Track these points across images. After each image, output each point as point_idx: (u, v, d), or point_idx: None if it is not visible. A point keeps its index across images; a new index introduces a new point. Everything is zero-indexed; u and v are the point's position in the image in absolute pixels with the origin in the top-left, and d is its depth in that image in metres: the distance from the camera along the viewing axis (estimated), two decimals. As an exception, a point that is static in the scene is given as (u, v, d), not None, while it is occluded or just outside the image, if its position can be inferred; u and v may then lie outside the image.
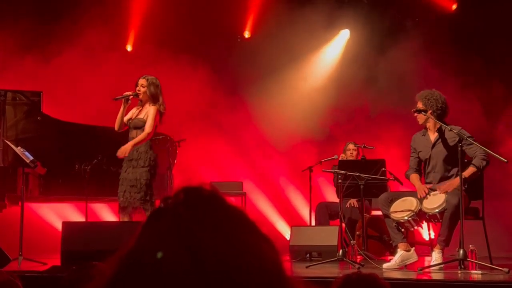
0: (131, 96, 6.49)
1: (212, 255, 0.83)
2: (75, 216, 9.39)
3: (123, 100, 6.48)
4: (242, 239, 0.86)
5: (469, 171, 5.77)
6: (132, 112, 6.56)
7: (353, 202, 8.04)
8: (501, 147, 8.32)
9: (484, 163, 5.75)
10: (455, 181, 5.71)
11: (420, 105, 5.99)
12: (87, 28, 9.59)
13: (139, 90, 6.48)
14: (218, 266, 0.82)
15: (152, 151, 6.49)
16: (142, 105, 6.55)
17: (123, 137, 6.58)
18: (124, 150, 6.31)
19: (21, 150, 6.63)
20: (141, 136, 6.35)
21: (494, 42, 9.48)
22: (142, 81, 6.52)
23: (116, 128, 6.57)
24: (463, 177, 5.69)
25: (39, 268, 5.99)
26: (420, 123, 6.05)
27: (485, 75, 9.28)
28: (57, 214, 9.40)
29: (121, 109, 6.49)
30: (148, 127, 6.37)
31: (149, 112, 6.43)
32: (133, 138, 6.42)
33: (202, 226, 0.85)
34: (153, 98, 6.47)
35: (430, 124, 6.02)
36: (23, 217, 6.58)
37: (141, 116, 6.45)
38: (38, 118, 7.65)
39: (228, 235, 0.85)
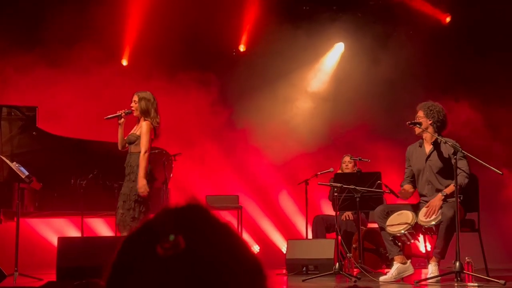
0: (123, 114, 6.44)
1: (205, 260, 0.83)
2: (71, 231, 9.36)
3: (117, 118, 6.45)
4: (229, 249, 0.86)
5: (450, 188, 5.77)
6: (119, 128, 6.57)
7: (348, 214, 8.03)
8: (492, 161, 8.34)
9: (467, 181, 5.72)
10: (436, 201, 5.71)
11: (421, 114, 5.99)
12: (83, 44, 9.61)
13: (132, 107, 6.46)
14: (208, 270, 0.83)
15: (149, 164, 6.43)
16: (138, 121, 6.53)
17: (119, 152, 6.56)
18: (143, 188, 6.17)
19: (17, 165, 6.62)
20: (141, 161, 6.22)
21: (488, 54, 9.54)
22: (134, 97, 6.51)
23: (119, 147, 6.51)
24: (444, 194, 5.71)
25: (35, 284, 5.97)
26: (417, 133, 6.04)
27: (480, 86, 9.32)
28: (53, 230, 9.38)
29: (119, 129, 6.46)
30: (143, 147, 6.26)
31: (142, 128, 6.38)
32: (131, 152, 6.40)
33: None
34: (144, 113, 6.43)
35: (426, 135, 6.02)
36: (19, 232, 6.55)
37: (135, 131, 6.42)
38: (34, 133, 7.64)
39: (218, 245, 0.85)
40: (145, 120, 6.39)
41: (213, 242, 0.86)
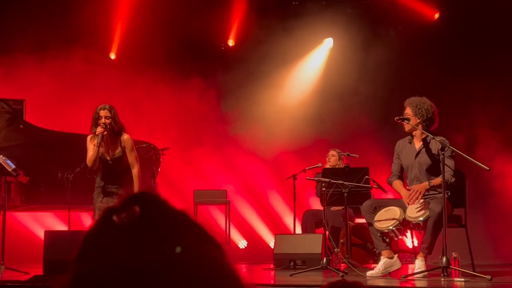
0: (105, 132, 5.99)
1: (174, 269, 0.84)
2: (58, 225, 9.32)
3: (96, 138, 6.00)
4: (198, 252, 0.87)
5: (437, 180, 5.78)
6: (94, 148, 6.01)
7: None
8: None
9: (453, 179, 5.73)
10: (420, 187, 5.72)
11: (409, 111, 5.96)
12: (71, 37, 9.56)
13: (105, 123, 5.97)
14: (180, 279, 0.84)
15: None
16: (105, 138, 6.04)
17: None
18: None
19: (3, 158, 6.57)
20: (137, 177, 6.08)
21: (476, 50, 9.57)
22: (105, 113, 6.00)
23: (92, 166, 6.06)
24: (431, 184, 5.72)
25: (21, 277, 5.93)
26: (407, 130, 6.03)
27: (468, 83, 9.35)
28: (40, 223, 9.34)
29: (97, 149, 5.98)
30: (136, 163, 6.11)
31: (126, 144, 6.07)
32: (118, 171, 6.13)
33: (160, 244, 0.85)
34: (120, 125, 6.10)
35: (416, 132, 6.01)
36: (5, 226, 6.52)
37: (120, 149, 6.11)
38: (21, 126, 7.60)
39: (185, 248, 0.86)
40: (124, 133, 6.11)
41: (167, 214, 0.88)
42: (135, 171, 6.11)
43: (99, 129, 5.96)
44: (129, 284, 0.80)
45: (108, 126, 6.00)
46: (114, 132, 6.08)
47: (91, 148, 6.06)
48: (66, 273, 0.88)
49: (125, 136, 6.11)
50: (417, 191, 5.70)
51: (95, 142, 6.00)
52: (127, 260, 0.82)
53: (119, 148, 6.13)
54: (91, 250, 0.85)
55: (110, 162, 6.13)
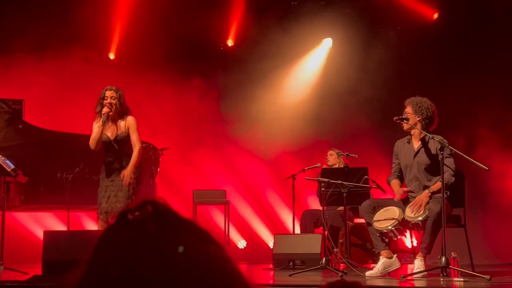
0: (111, 112, 6.15)
1: (180, 269, 0.88)
2: (57, 225, 9.32)
3: (101, 117, 6.13)
4: (203, 251, 0.91)
5: (437, 185, 5.78)
6: (98, 128, 6.16)
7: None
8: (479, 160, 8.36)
9: (453, 179, 5.72)
10: (423, 197, 5.71)
11: (409, 110, 5.98)
12: (71, 37, 9.56)
13: (110, 103, 6.11)
14: (185, 278, 0.87)
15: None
16: (110, 119, 6.18)
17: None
18: (129, 176, 6.08)
19: (2, 158, 6.56)
20: (136, 155, 6.16)
21: (475, 50, 9.57)
22: (111, 93, 6.14)
23: (94, 147, 6.19)
24: (431, 191, 5.72)
25: (20, 277, 5.93)
26: (405, 129, 6.04)
27: (468, 83, 9.34)
28: (39, 223, 9.34)
29: (101, 129, 6.13)
30: (137, 143, 6.19)
31: (129, 124, 6.18)
32: (121, 153, 6.22)
33: (170, 241, 0.89)
34: (126, 108, 6.23)
35: (415, 132, 6.02)
36: (4, 226, 6.51)
37: (123, 130, 6.22)
38: (20, 126, 7.60)
39: (191, 247, 0.90)
40: (129, 115, 6.24)
41: (176, 215, 0.94)
42: (135, 150, 6.18)
43: (105, 109, 6.11)
44: (142, 276, 0.85)
45: (114, 106, 6.12)
46: (119, 113, 6.20)
47: (95, 130, 6.17)
48: (74, 272, 0.91)
49: (130, 117, 6.23)
50: (420, 201, 5.68)
51: (100, 123, 6.10)
52: (140, 253, 0.87)
53: (123, 129, 6.22)
54: (106, 248, 0.91)
55: (113, 143, 6.22)
